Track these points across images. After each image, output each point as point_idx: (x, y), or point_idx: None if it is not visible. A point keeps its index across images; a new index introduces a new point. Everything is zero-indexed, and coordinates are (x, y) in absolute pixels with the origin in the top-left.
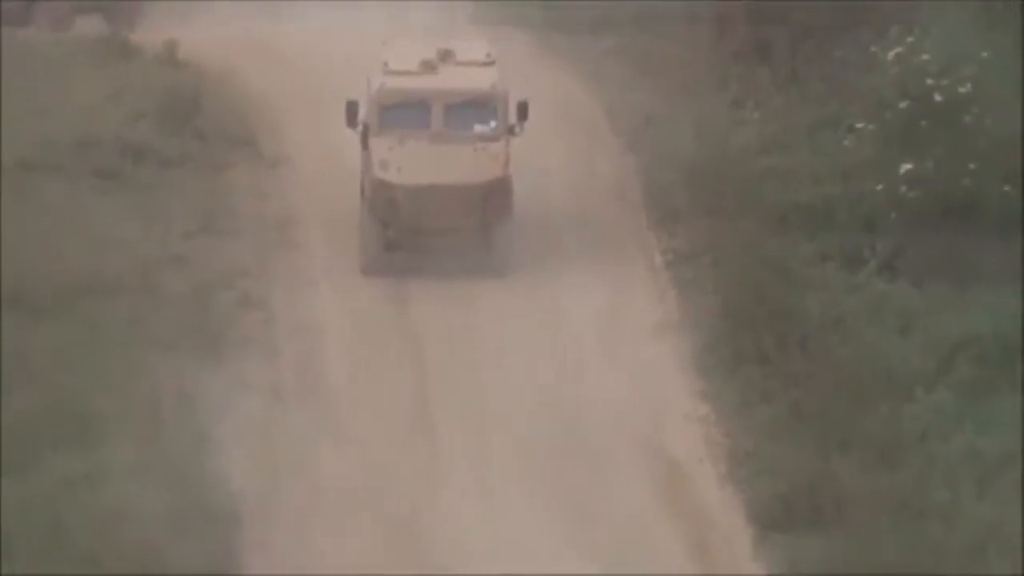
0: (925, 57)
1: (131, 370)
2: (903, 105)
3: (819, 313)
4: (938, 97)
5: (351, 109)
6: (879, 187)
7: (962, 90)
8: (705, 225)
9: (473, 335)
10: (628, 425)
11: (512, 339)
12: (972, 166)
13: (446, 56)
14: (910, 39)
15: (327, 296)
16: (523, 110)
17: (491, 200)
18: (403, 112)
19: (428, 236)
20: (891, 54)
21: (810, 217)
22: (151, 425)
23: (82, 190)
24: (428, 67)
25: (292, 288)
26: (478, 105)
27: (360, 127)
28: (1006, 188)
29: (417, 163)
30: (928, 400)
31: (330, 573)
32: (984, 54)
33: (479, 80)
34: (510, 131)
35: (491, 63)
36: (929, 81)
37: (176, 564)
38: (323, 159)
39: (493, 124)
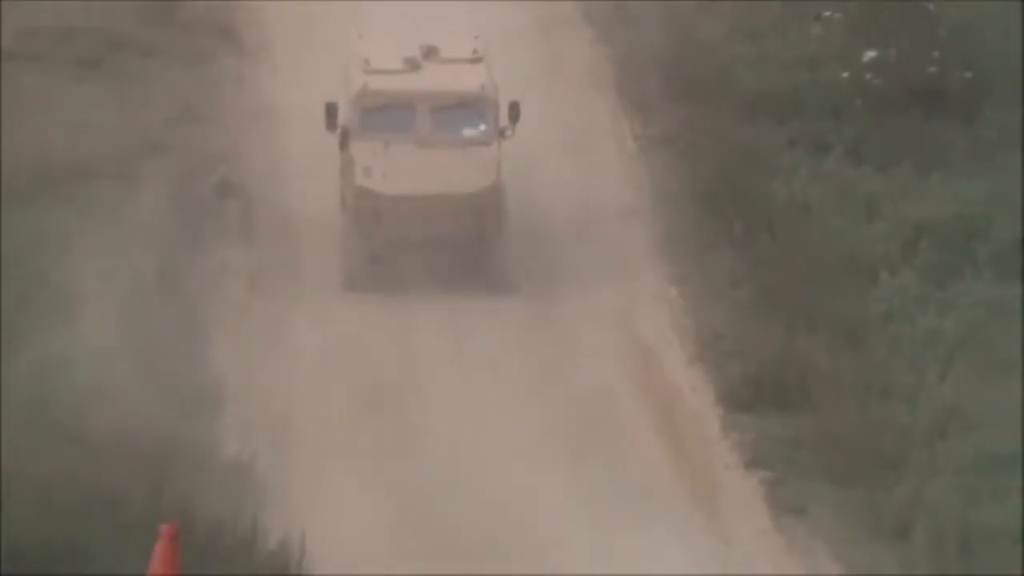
0: None
1: (113, 254)
2: None
3: (786, 198)
4: None
5: (331, 111)
6: (845, 75)
7: None
8: (676, 112)
9: None
10: (599, 306)
11: None
12: (935, 54)
13: (430, 52)
14: None
15: (306, 184)
16: (514, 111)
17: (483, 210)
18: (387, 114)
19: (415, 249)
20: None
21: (778, 104)
22: (133, 308)
23: (64, 79)
24: (412, 65)
25: (270, 176)
26: (467, 107)
27: (339, 130)
28: (967, 75)
29: (403, 170)
30: (892, 283)
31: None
32: None
33: (468, 80)
34: (501, 134)
35: (479, 60)
36: None
37: (158, 442)
38: (303, 49)
39: (483, 127)
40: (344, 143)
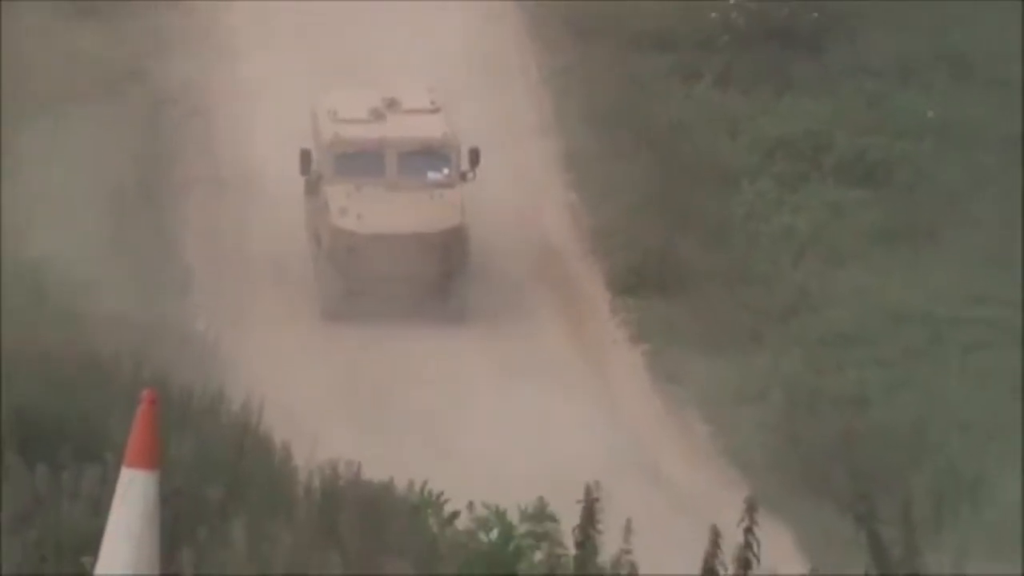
0: None
1: (99, 167)
2: None
3: (665, 118)
4: None
5: (305, 157)
6: (714, 15)
7: None
8: (575, 48)
9: None
10: (512, 209)
11: None
12: None
13: (392, 104)
14: None
15: (267, 106)
16: (475, 157)
17: (450, 248)
18: (357, 160)
19: (386, 283)
20: None
21: (659, 40)
22: (115, 211)
23: (57, 15)
24: (377, 115)
25: (233, 99)
26: (431, 153)
27: (310, 175)
28: (815, 15)
29: (376, 211)
30: (752, 188)
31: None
32: None
33: (431, 128)
34: (463, 177)
35: (437, 110)
36: None
37: (139, 323)
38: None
39: (446, 171)
40: (315, 187)
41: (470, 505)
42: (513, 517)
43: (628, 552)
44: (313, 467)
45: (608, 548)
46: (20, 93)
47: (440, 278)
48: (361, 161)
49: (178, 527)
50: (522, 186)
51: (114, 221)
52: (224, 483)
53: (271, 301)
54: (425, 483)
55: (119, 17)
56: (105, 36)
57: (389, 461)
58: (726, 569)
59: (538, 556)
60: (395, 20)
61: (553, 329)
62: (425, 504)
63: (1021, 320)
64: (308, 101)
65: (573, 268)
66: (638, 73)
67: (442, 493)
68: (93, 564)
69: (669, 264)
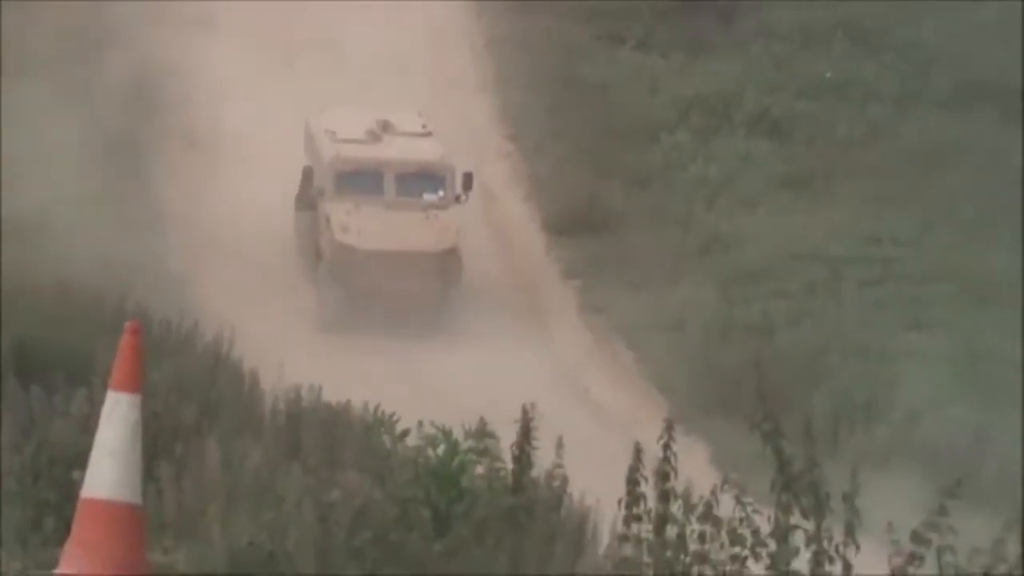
0: None
1: (85, 123)
2: None
3: (592, 78)
4: None
5: (307, 174)
6: None
7: None
8: (515, 18)
9: None
10: (458, 160)
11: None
12: None
13: (386, 127)
14: None
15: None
16: (468, 181)
17: (445, 267)
18: (357, 179)
19: (383, 297)
20: None
21: (586, 9)
22: (99, 162)
23: None
24: (374, 136)
25: (203, 63)
26: (428, 175)
27: (312, 190)
28: None
29: (376, 229)
30: (670, 141)
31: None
32: None
33: (428, 151)
34: (456, 200)
35: (429, 134)
36: None
37: (122, 263)
38: None
39: (441, 193)
40: (311, 203)
41: (419, 424)
42: (458, 435)
43: (560, 466)
44: (279, 391)
45: (542, 463)
46: (16, 56)
47: (435, 293)
48: (361, 180)
49: (157, 444)
50: (466, 138)
51: (99, 174)
52: (198, 405)
53: (242, 245)
54: (379, 405)
55: None
56: (92, 8)
57: (349, 381)
58: (647, 481)
59: (479, 470)
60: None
61: (495, 266)
62: (379, 423)
63: (910, 257)
64: (277, 71)
65: (511, 212)
66: (569, 40)
67: (394, 413)
68: (82, 478)
69: (597, 208)
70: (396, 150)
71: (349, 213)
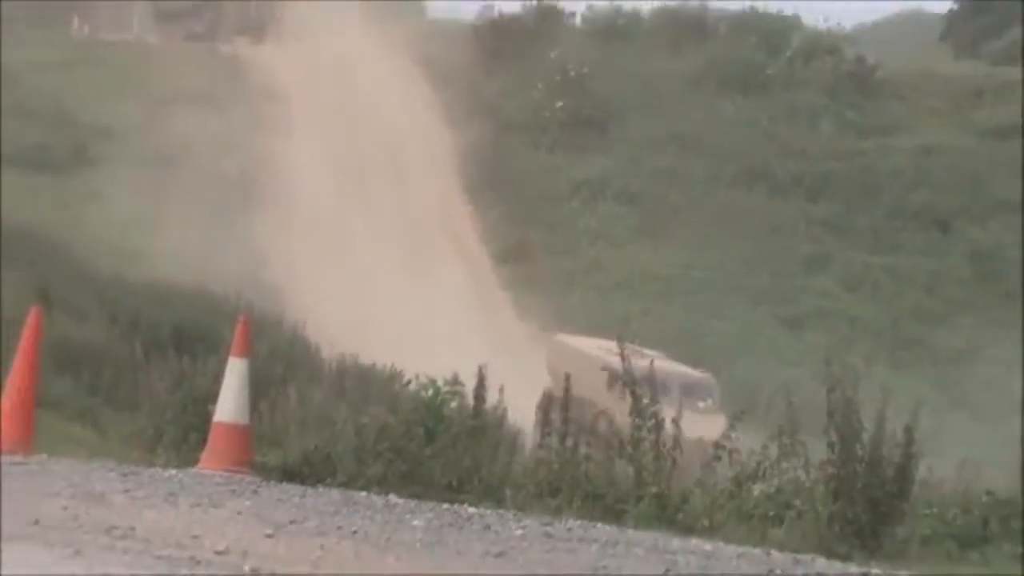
0: None
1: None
2: None
3: (517, 168)
4: None
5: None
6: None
7: None
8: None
9: None
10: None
11: None
12: None
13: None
14: None
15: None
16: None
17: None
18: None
19: None
20: None
21: (515, 124)
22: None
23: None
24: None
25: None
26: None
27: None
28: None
29: None
30: (568, 206)
31: None
32: None
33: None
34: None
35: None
36: None
37: (238, 275)
38: None
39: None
40: None
41: (416, 377)
42: (440, 383)
43: (502, 402)
44: (332, 357)
45: (491, 399)
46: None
47: None
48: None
49: (259, 390)
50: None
51: (224, 225)
52: (284, 365)
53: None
54: (393, 363)
55: None
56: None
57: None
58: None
59: (453, 404)
60: None
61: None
62: (393, 377)
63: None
64: None
65: (473, 247)
66: (506, 147)
67: (403, 370)
68: (213, 409)
69: (524, 245)
70: (667, 365)
71: None
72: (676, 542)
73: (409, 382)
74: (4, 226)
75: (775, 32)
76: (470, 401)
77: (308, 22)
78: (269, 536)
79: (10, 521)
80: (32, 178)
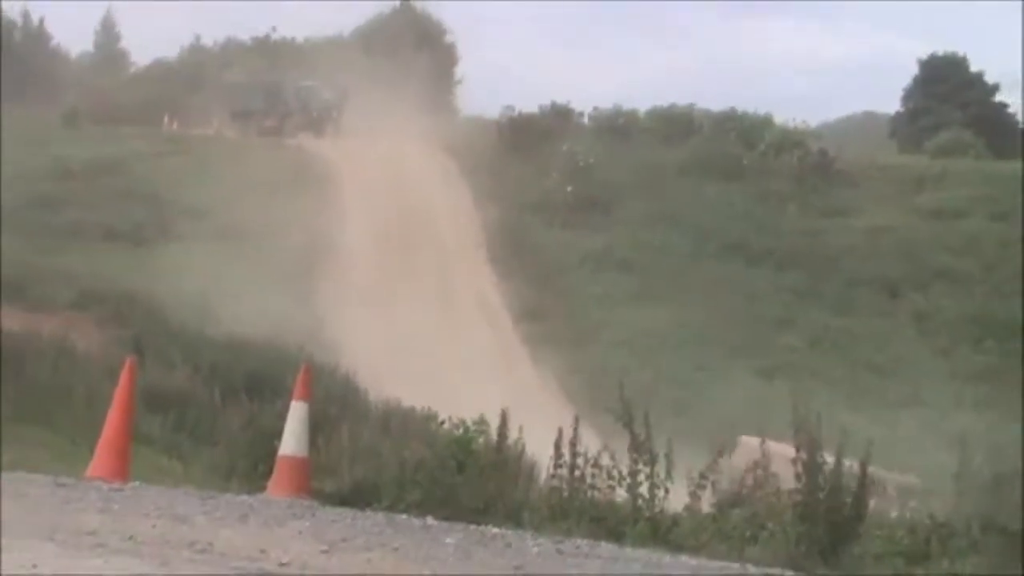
0: None
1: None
2: None
3: (533, 243)
4: None
5: None
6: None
7: None
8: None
9: None
10: None
11: None
12: None
13: None
14: None
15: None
16: None
17: None
18: None
19: None
20: None
21: (526, 207)
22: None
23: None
24: None
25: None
26: None
27: None
28: None
29: None
30: (573, 278)
31: None
32: None
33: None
34: None
35: None
36: None
37: (300, 331)
38: None
39: None
40: None
41: (448, 418)
42: (469, 423)
43: (521, 439)
44: (378, 400)
45: (512, 437)
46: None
47: None
48: None
49: (317, 428)
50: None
51: (285, 280)
52: (337, 407)
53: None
54: (429, 406)
55: None
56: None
57: (412, 391)
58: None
59: (480, 440)
60: None
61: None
62: (429, 418)
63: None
64: None
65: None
66: (515, 224)
67: (438, 412)
68: (279, 444)
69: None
70: None
71: None
72: (667, 558)
73: (443, 422)
74: (110, 292)
75: (751, 129)
76: (495, 438)
77: (361, 119)
78: (324, 552)
79: (110, 538)
80: (131, 251)
